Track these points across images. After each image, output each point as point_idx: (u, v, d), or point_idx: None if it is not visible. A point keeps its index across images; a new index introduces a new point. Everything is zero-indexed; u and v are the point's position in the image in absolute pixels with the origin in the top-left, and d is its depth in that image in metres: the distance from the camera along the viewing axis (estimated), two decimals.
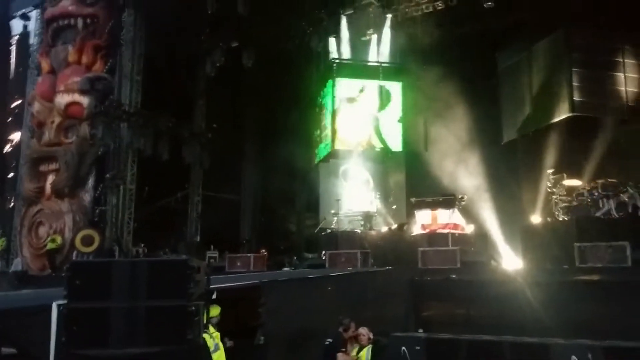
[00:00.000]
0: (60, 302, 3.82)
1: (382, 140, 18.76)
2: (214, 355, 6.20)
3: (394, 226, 16.75)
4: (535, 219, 15.11)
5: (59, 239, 16.00)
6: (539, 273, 11.17)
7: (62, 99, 17.11)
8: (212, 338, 6.27)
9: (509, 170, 16.69)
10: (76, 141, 16.90)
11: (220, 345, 6.41)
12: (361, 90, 18.94)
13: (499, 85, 18.20)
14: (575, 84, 15.63)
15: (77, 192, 16.78)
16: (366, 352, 6.94)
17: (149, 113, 17.43)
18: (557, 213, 14.02)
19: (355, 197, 17.18)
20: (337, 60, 19.06)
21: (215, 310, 6.50)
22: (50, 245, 15.86)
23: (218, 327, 6.51)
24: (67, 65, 17.56)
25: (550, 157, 15.55)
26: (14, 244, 17.52)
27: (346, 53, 19.23)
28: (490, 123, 17.53)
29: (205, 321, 6.19)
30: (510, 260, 13.93)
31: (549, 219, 14.37)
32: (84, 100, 17.06)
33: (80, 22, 17.74)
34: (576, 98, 15.56)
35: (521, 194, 16.54)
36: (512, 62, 17.86)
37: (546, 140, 16.18)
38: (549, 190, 14.32)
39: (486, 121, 17.38)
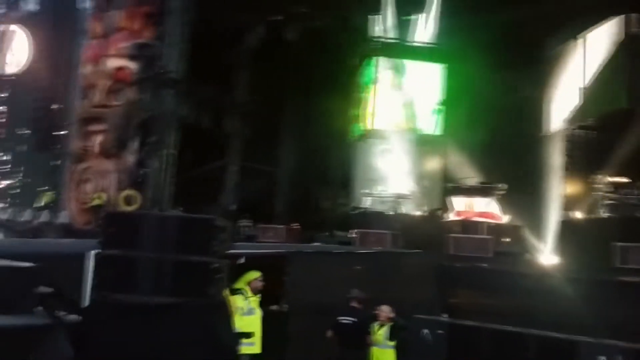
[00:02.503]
0: (97, 251, 4.05)
1: (421, 123, 18.53)
2: (246, 318, 6.24)
3: (427, 210, 16.66)
4: (576, 214, 14.73)
5: (103, 197, 16.66)
6: (575, 270, 10.92)
7: (112, 63, 17.59)
8: (247, 300, 6.34)
9: (551, 162, 16.22)
10: (123, 104, 17.41)
11: (257, 310, 6.40)
12: (402, 71, 18.66)
13: (546, 72, 17.57)
14: (631, 75, 14.89)
15: (122, 154, 17.35)
16: (385, 331, 7.00)
17: (194, 81, 17.71)
18: (600, 210, 13.62)
19: (389, 179, 17.12)
20: (379, 39, 18.80)
21: (253, 274, 6.52)
22: (95, 202, 16.52)
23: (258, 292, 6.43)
24: (117, 31, 18.00)
25: (599, 151, 15.04)
26: (62, 197, 18.34)
27: (389, 32, 18.92)
28: (535, 112, 17.03)
29: (240, 283, 6.37)
30: (545, 255, 13.69)
31: (590, 216, 13.99)
32: (133, 65, 17.48)
33: None
34: (632, 90, 14.85)
35: (562, 187, 16.10)
36: (563, 49, 17.15)
37: (596, 133, 15.63)
38: (594, 185, 13.91)
39: (531, 110, 16.90)
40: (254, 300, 6.42)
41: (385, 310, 7.08)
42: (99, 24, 18.50)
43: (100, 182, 17.27)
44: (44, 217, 18.14)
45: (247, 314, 6.32)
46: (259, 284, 6.51)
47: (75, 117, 18.78)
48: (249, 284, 6.44)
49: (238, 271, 6.33)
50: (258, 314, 6.44)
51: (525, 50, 16.87)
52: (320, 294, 7.73)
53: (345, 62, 19.81)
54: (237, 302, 6.25)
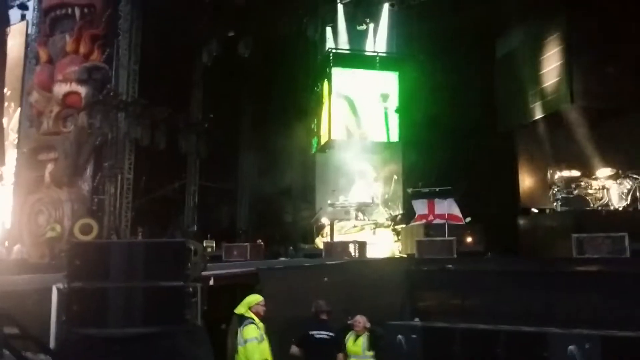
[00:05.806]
0: (60, 285, 3.87)
1: (379, 131, 18.78)
2: (262, 345, 5.99)
3: (389, 217, 16.84)
4: (533, 210, 15.19)
5: (58, 228, 16.13)
6: (535, 264, 11.19)
7: (61, 89, 17.17)
8: (259, 327, 6.07)
9: (507, 160, 16.67)
10: (74, 130, 16.98)
11: (265, 336, 6.12)
12: (357, 81, 18.92)
13: (497, 73, 18.06)
14: (575, 73, 15.37)
15: (75, 181, 16.88)
16: (362, 341, 6.98)
17: (146, 103, 17.44)
18: (555, 204, 14.08)
19: (351, 188, 17.24)
20: (333, 50, 19.03)
21: (255, 298, 6.25)
22: (50, 234, 15.98)
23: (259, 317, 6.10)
24: (65, 55, 17.59)
25: (549, 147, 15.51)
26: (13, 231, 17.57)
27: (343, 43, 19.19)
28: (487, 112, 17.43)
29: (242, 308, 6.08)
30: (506, 251, 13.98)
31: (547, 210, 14.44)
32: (82, 90, 17.11)
33: (77, 11, 17.75)
34: (576, 88, 15.32)
35: (518, 184, 16.57)
36: (512, 49, 17.55)
37: (545, 130, 16.10)
38: (548, 181, 14.37)
39: (483, 110, 17.32)
40: (262, 326, 6.15)
41: (361, 321, 7.07)
42: (45, 49, 18.06)
43: (54, 213, 16.71)
44: None
45: (261, 341, 6.03)
46: (261, 308, 6.23)
47: (25, 146, 18.20)
48: (250, 308, 6.17)
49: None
50: (266, 339, 6.16)
51: (477, 53, 17.31)
52: (293, 309, 7.66)
53: (300, 74, 19.90)
54: (252, 332, 5.99)
